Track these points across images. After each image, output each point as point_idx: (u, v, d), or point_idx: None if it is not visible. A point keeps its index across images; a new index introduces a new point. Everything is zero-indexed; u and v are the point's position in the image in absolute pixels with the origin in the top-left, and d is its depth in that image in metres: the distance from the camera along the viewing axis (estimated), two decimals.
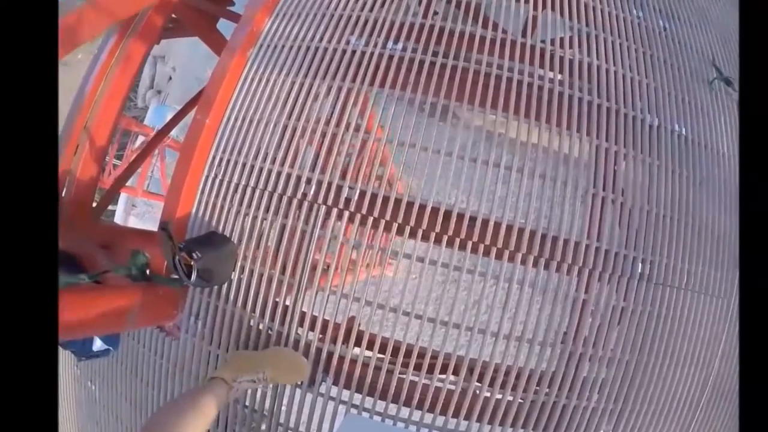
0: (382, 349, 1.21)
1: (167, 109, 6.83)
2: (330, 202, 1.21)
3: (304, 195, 1.22)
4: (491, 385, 1.19)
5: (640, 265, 1.24)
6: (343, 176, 1.22)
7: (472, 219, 1.18)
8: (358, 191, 1.20)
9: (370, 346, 1.23)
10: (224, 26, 1.97)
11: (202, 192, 1.31)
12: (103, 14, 1.32)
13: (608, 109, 1.32)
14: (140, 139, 5.87)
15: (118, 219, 6.38)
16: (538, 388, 1.20)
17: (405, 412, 1.21)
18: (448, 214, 1.18)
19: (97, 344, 1.42)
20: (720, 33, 1.68)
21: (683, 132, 1.39)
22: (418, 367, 1.20)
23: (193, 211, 1.31)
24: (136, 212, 6.67)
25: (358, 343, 1.22)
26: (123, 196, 6.41)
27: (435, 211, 1.19)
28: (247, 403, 1.30)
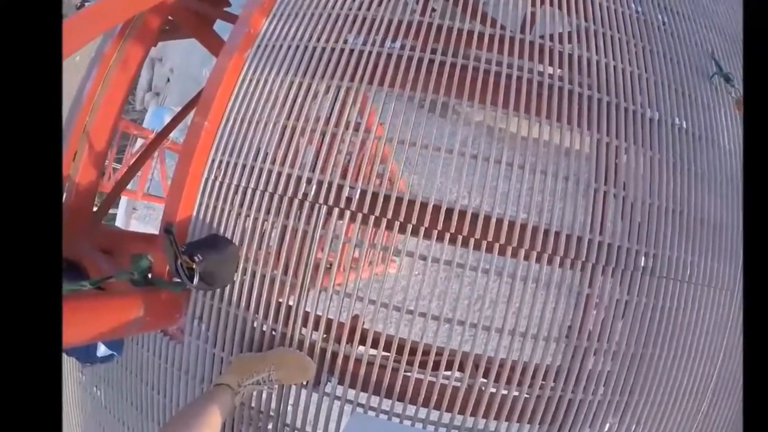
0: (387, 347, 1.21)
1: (166, 110, 6.79)
2: (331, 201, 1.21)
3: (305, 195, 1.22)
4: (497, 380, 1.19)
5: (643, 258, 1.24)
6: (344, 175, 1.22)
7: (474, 215, 1.18)
8: (359, 190, 1.20)
9: (374, 345, 1.22)
10: (222, 27, 1.97)
11: (203, 195, 1.31)
12: (100, 18, 1.31)
13: (608, 104, 1.32)
14: (139, 141, 5.83)
15: (119, 223, 6.33)
16: (543, 382, 1.20)
17: (411, 409, 1.21)
18: (450, 212, 1.18)
19: (101, 350, 1.42)
20: (721, 28, 1.67)
21: (684, 125, 1.39)
22: (423, 365, 1.20)
23: (194, 214, 1.30)
24: (137, 215, 6.62)
25: (362, 342, 1.22)
26: (123, 200, 6.38)
27: (437, 208, 1.19)
28: (253, 405, 1.30)
